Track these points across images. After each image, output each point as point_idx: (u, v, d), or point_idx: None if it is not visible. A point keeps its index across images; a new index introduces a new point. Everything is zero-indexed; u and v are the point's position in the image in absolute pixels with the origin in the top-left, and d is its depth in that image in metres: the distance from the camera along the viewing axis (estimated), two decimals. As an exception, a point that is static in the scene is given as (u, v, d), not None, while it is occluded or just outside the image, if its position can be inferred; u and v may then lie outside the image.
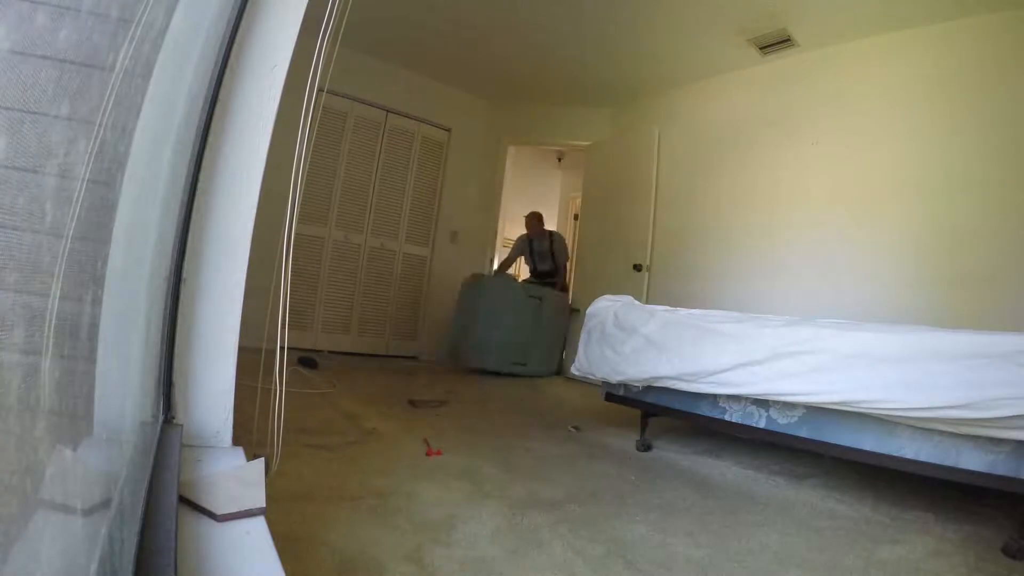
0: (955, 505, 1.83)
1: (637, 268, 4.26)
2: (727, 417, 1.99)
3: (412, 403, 2.63)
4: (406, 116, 4.87)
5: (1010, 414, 1.29)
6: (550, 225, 8.45)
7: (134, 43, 0.76)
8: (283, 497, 1.26)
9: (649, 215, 4.27)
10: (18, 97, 0.58)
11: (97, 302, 0.77)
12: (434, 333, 5.09)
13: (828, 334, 1.67)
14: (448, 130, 5.13)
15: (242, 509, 0.78)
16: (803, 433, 1.78)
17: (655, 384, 2.10)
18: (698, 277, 4.14)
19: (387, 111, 4.76)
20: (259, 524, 0.77)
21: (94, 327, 0.76)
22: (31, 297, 0.58)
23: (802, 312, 3.40)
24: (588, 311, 2.50)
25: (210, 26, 1.03)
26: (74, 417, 0.74)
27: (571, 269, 6.09)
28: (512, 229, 9.23)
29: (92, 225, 0.74)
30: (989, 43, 2.93)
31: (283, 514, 1.16)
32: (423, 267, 5.07)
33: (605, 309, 2.41)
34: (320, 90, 1.19)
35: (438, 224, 5.13)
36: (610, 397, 2.50)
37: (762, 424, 1.89)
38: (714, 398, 2.02)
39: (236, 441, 1.08)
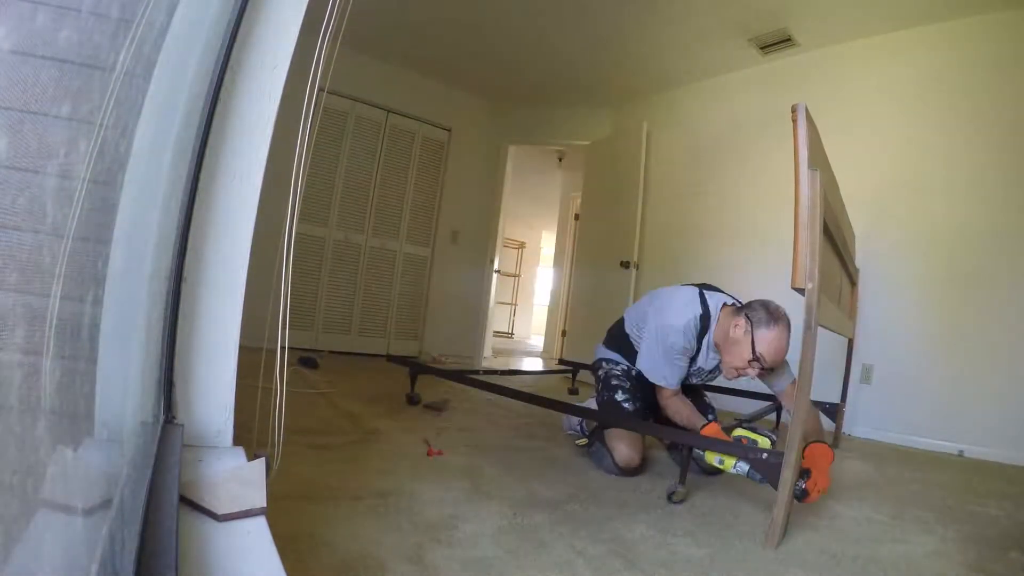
0: (956, 505, 1.83)
1: (624, 265, 4.25)
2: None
3: (426, 406, 2.63)
4: (407, 116, 4.87)
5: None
6: (550, 225, 8.37)
7: (134, 43, 0.76)
8: (284, 497, 1.26)
9: (637, 213, 4.26)
10: (19, 97, 0.58)
11: (98, 302, 0.77)
12: (435, 333, 5.10)
13: None
14: (448, 130, 5.13)
15: (243, 509, 0.78)
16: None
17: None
18: (688, 276, 4.13)
19: (388, 111, 4.76)
20: (260, 524, 0.77)
21: (95, 327, 0.76)
22: (32, 297, 0.58)
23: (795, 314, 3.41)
24: None
25: (210, 26, 1.03)
26: (75, 417, 0.74)
27: (570, 269, 6.08)
28: (512, 229, 9.25)
29: (93, 225, 0.74)
30: (989, 43, 2.92)
31: (284, 514, 1.16)
32: (424, 267, 5.07)
33: None
34: (321, 90, 1.19)
35: (439, 224, 5.13)
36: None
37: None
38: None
39: (237, 441, 1.08)
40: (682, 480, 1.60)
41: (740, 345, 1.67)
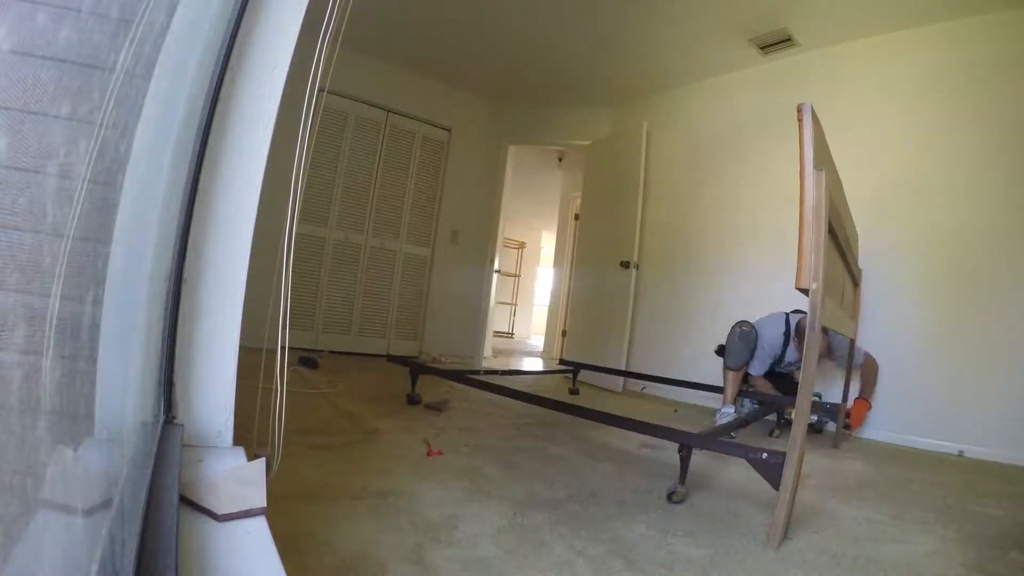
0: (956, 505, 1.83)
1: (624, 265, 4.25)
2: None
3: (427, 406, 2.63)
4: (407, 116, 4.87)
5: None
6: (550, 225, 8.37)
7: (134, 43, 0.76)
8: (284, 497, 1.26)
9: (637, 213, 4.25)
10: (19, 97, 0.58)
11: (98, 302, 0.77)
12: (435, 333, 5.09)
13: None
14: (448, 130, 5.13)
15: (243, 509, 0.78)
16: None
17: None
18: (688, 276, 4.14)
19: (388, 111, 4.76)
20: (260, 524, 0.77)
21: (95, 327, 0.76)
22: (32, 297, 0.58)
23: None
24: None
25: (210, 26, 1.03)
26: (75, 417, 0.74)
27: (570, 269, 6.08)
28: (512, 229, 9.25)
29: (93, 225, 0.74)
30: (989, 43, 2.92)
31: (284, 514, 1.16)
32: (424, 267, 5.07)
33: None
34: (321, 90, 1.19)
35: (439, 224, 5.13)
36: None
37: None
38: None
39: (237, 441, 1.08)
40: (682, 480, 1.60)
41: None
